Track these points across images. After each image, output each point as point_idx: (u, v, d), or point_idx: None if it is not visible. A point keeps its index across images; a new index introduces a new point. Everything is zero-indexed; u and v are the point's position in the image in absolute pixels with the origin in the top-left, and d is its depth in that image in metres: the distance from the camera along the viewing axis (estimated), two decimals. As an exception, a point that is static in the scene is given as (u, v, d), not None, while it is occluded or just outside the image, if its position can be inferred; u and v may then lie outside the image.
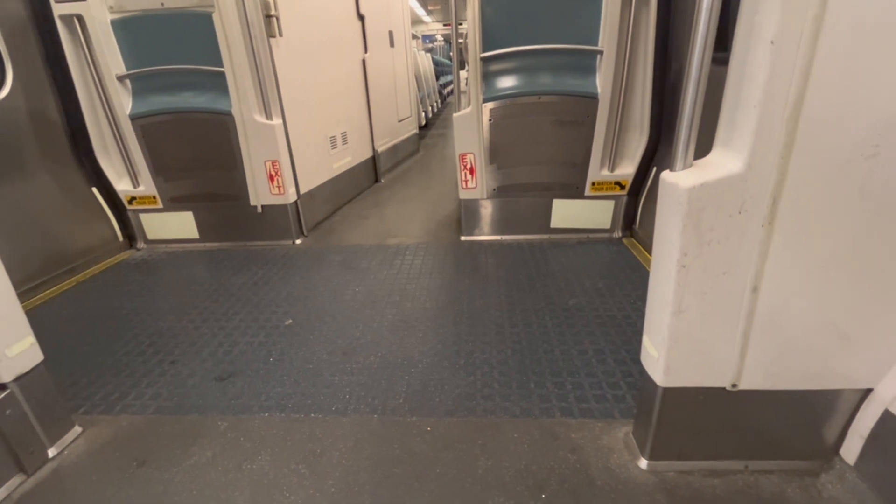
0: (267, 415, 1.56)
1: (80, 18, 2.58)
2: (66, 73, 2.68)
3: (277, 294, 2.41)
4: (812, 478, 1.23)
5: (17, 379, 1.30)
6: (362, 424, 1.50)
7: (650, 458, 1.28)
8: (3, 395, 1.27)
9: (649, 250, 2.60)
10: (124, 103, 2.79)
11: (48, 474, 1.36)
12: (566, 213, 2.91)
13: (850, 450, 1.23)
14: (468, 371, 1.73)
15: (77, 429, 1.51)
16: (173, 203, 3.07)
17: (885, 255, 0.99)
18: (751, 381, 1.15)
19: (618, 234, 2.92)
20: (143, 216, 3.12)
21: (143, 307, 2.34)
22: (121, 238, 3.10)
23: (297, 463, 1.36)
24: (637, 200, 2.83)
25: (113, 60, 2.71)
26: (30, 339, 1.34)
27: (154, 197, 3.03)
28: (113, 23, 2.69)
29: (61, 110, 2.79)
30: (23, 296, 2.42)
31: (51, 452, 1.42)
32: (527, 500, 1.21)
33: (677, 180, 0.97)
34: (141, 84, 2.84)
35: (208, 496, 1.26)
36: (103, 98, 2.72)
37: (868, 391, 1.17)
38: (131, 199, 3.05)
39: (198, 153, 2.93)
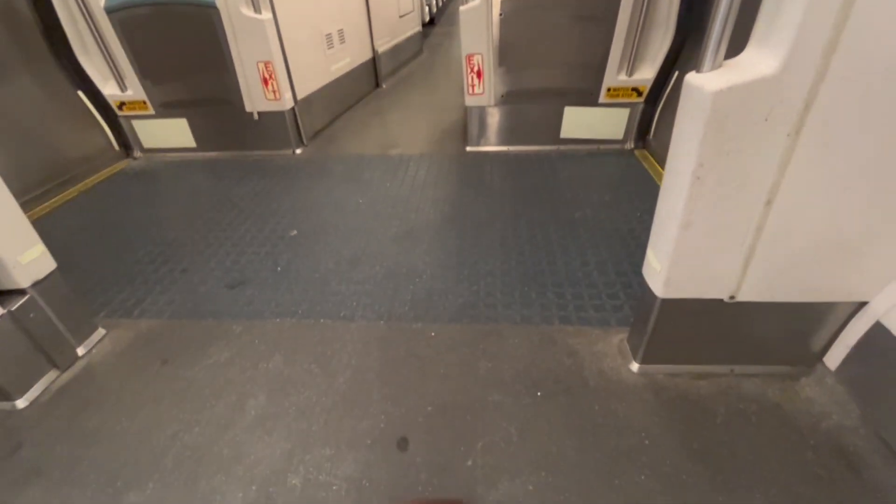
0: (278, 320, 1.64)
1: None
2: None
3: (280, 205, 2.39)
4: (792, 381, 1.31)
5: (35, 285, 1.35)
6: (369, 330, 1.57)
7: (641, 361, 1.36)
8: (24, 299, 1.32)
9: (662, 163, 2.51)
10: (97, -7, 2.53)
11: (80, 371, 1.47)
12: (578, 122, 2.76)
13: (834, 357, 1.29)
14: (472, 281, 1.77)
15: (101, 331, 1.60)
16: (165, 109, 2.93)
17: None
18: (749, 294, 1.17)
19: (630, 145, 2.80)
20: (135, 123, 2.99)
21: (148, 218, 2.35)
22: (116, 146, 3.02)
23: (310, 363, 1.45)
24: (654, 109, 2.67)
25: (76, -60, 2.40)
26: (40, 248, 1.36)
27: (144, 102, 2.88)
28: None
29: (31, 5, 2.54)
30: (26, 206, 2.42)
31: (80, 351, 1.51)
32: (524, 397, 1.30)
33: (703, 83, 0.89)
34: (112, -30, 2.54)
35: (230, 391, 1.37)
36: (73, -13, 2.46)
37: (862, 304, 1.19)
38: (121, 105, 2.91)
39: (184, 52, 2.72)
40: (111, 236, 2.20)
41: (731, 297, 1.19)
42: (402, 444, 1.19)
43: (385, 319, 1.61)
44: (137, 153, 3.10)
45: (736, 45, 0.91)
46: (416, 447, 1.18)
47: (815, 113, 0.87)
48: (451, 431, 1.22)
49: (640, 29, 2.38)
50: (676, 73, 2.47)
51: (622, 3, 2.31)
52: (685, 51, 2.42)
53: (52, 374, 1.43)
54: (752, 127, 0.89)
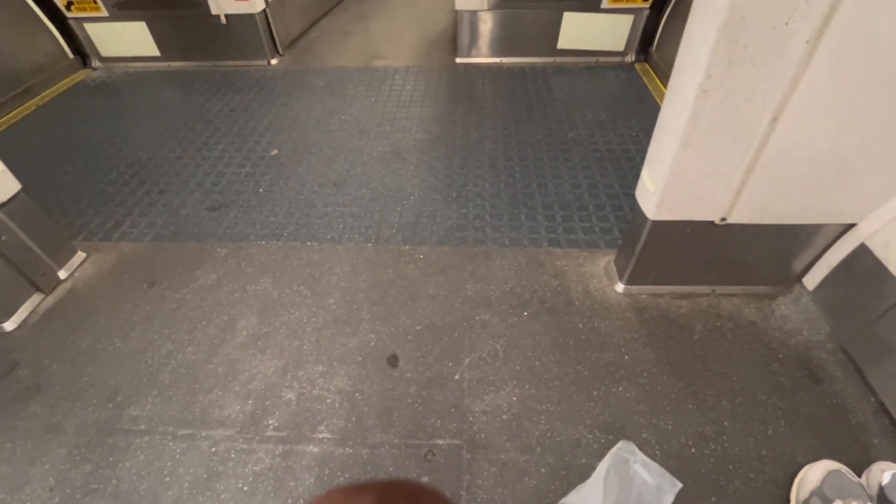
0: (264, 243, 1.61)
1: None
2: None
3: (258, 122, 2.25)
4: (770, 300, 1.36)
5: (1, 206, 1.28)
6: (357, 252, 1.56)
7: (627, 283, 1.38)
8: (-8, 222, 1.26)
9: (664, 77, 2.37)
10: None
11: (65, 293, 1.45)
12: (577, 31, 2.55)
13: (814, 278, 1.33)
14: (460, 203, 1.73)
15: (81, 254, 1.56)
16: (120, 10, 2.61)
17: None
18: (740, 216, 1.16)
19: (631, 58, 2.62)
20: (88, 27, 2.69)
21: (117, 134, 2.20)
22: (70, 54, 2.73)
23: (299, 285, 1.45)
24: (659, 16, 2.46)
25: None
26: None
27: (94, 1, 2.56)
28: None
29: None
30: (-19, 120, 2.24)
31: (62, 275, 1.49)
32: (510, 316, 1.34)
33: (722, -21, 0.79)
34: None
35: (220, 311, 1.38)
36: None
37: (850, 226, 1.20)
38: (69, 4, 2.58)
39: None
40: (79, 155, 2.07)
41: (723, 220, 1.18)
42: (392, 360, 1.24)
43: (373, 242, 1.59)
44: (96, 63, 2.82)
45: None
46: (406, 363, 1.23)
47: (841, 15, 0.79)
48: (439, 348, 1.26)
49: (653, -82, 2.11)
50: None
51: None
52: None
53: (36, 297, 1.42)
54: (770, 32, 0.81)
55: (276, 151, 2.05)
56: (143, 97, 2.54)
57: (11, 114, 2.37)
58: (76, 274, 1.51)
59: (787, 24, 0.80)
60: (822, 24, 0.80)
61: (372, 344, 1.28)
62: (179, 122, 2.27)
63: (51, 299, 1.43)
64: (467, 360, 1.23)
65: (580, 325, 1.31)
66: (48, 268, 1.45)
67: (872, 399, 1.12)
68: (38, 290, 1.42)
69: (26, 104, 2.45)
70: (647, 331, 1.29)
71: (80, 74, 2.77)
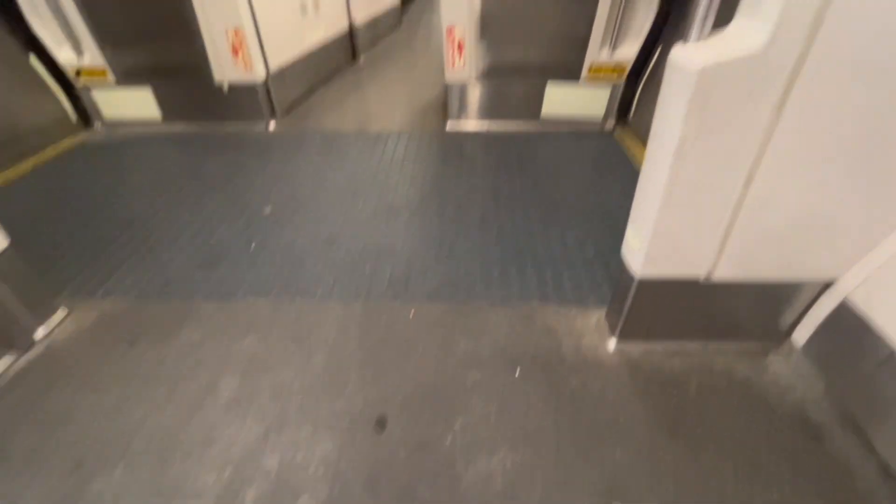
0: (252, 299, 1.59)
1: None
2: None
3: (254, 181, 2.31)
4: (762, 357, 1.35)
5: (-14, 263, 1.26)
6: (347, 308, 1.54)
7: (619, 339, 1.38)
8: (-27, 278, 1.23)
9: (641, 142, 2.52)
10: (46, -53, 2.32)
11: (41, 353, 1.40)
12: (559, 100, 2.73)
13: (802, 334, 1.34)
14: (451, 260, 1.75)
15: (63, 311, 1.52)
16: (127, 77, 2.75)
17: (882, 155, 0.95)
18: (724, 273, 1.19)
19: (610, 125, 2.80)
20: (95, 93, 2.81)
21: (112, 192, 2.23)
22: (73, 117, 2.83)
23: (285, 343, 1.42)
24: (635, 88, 2.65)
25: None
26: None
27: (104, 70, 2.70)
28: None
29: None
30: (-24, 178, 2.27)
31: (40, 332, 1.44)
32: (502, 375, 1.31)
33: (689, 59, 0.87)
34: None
35: (201, 372, 1.33)
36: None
37: (830, 282, 1.23)
38: (78, 72, 2.71)
39: (147, 16, 2.55)
40: (71, 212, 2.08)
41: (707, 277, 1.20)
42: (380, 423, 1.18)
43: (363, 298, 1.58)
44: (98, 125, 2.92)
45: (724, 17, 0.89)
46: (395, 426, 1.18)
47: (799, 87, 0.87)
48: (430, 410, 1.21)
49: (624, 1, 2.33)
50: (660, 48, 2.45)
51: (606, -24, 2.26)
52: (669, 25, 2.40)
53: (8, 358, 1.36)
54: (737, 103, 0.88)
55: (269, 209, 2.08)
56: (141, 157, 2.61)
57: (9, 171, 2.41)
58: (55, 332, 1.46)
59: (750, 95, 0.87)
60: (783, 96, 0.88)
61: (359, 406, 1.23)
62: (176, 181, 2.32)
63: (25, 359, 1.37)
64: (458, 422, 1.18)
65: (573, 384, 1.28)
66: (26, 325, 1.40)
67: (875, 459, 1.09)
68: (13, 348, 1.37)
69: (24, 163, 2.49)
70: (641, 389, 1.27)
71: (82, 136, 2.85)
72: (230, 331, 1.46)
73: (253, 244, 1.85)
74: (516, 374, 1.31)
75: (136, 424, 1.19)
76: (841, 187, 1.02)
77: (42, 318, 1.46)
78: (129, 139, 2.81)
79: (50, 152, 2.62)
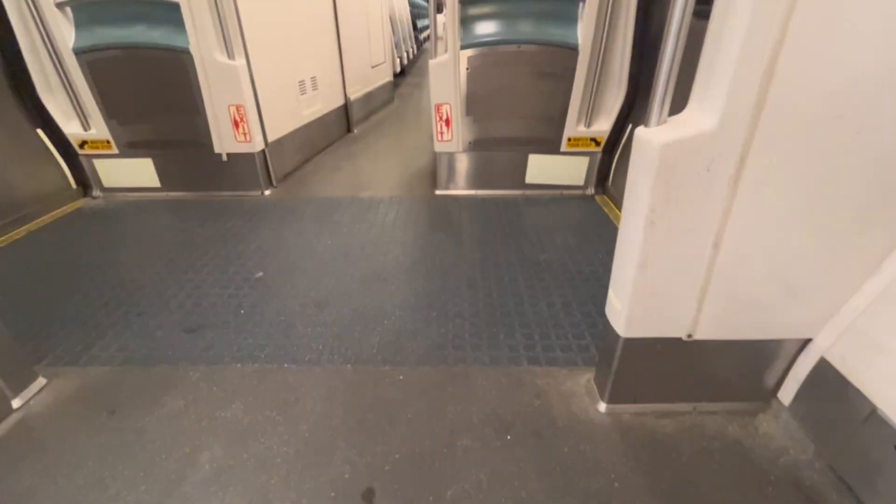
0: (239, 365, 1.57)
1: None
2: (-5, -3, 2.39)
3: (247, 246, 2.35)
4: (751, 417, 1.36)
5: (-31, 330, 1.25)
6: (336, 374, 1.53)
7: (608, 401, 1.38)
8: (-44, 346, 1.22)
9: (620, 207, 2.65)
10: (66, 35, 2.53)
11: (14, 425, 1.34)
12: (541, 169, 2.90)
13: (787, 393, 1.35)
14: (440, 322, 1.77)
15: (41, 380, 1.48)
16: (130, 149, 2.88)
17: (836, 218, 1.04)
18: (705, 332, 1.23)
19: (591, 191, 2.96)
20: (97, 162, 2.92)
21: (104, 258, 2.25)
22: (73, 185, 2.92)
23: (271, 410, 1.39)
24: (611, 157, 2.85)
25: (49, -16, 2.42)
26: None
27: (108, 141, 2.83)
28: (47, -60, 2.38)
29: None
30: (-31, 245, 2.28)
31: (15, 403, 1.39)
32: (493, 440, 1.28)
33: (651, 137, 0.97)
34: (84, 14, 2.56)
35: (182, 443, 1.28)
36: (42, 29, 2.45)
37: (807, 341, 1.27)
38: (83, 143, 2.84)
39: (154, 94, 2.73)
40: (60, 278, 2.08)
41: (689, 336, 1.24)
42: (368, 495, 1.14)
43: (352, 363, 1.57)
44: (97, 192, 3.00)
45: (681, 102, 1.01)
46: (383, 498, 1.13)
47: (750, 164, 0.97)
48: (419, 480, 1.17)
49: (595, 85, 2.58)
50: (630, 126, 2.66)
51: (579, 62, 2.51)
52: (637, 106, 2.63)
53: (-21, 430, 1.30)
54: (696, 177, 0.98)
55: (261, 273, 2.11)
56: (137, 223, 2.66)
57: (2, 237, 2.43)
58: (31, 402, 1.41)
59: (708, 170, 0.97)
60: (737, 171, 0.97)
61: (346, 476, 1.19)
62: (169, 247, 2.36)
63: (-4, 432, 1.32)
64: (449, 492, 1.14)
65: (565, 450, 1.26)
66: (2, 396, 1.36)
67: (874, 525, 1.07)
68: (-15, 421, 1.32)
69: (19, 230, 2.52)
70: (634, 453, 1.25)
71: (80, 203, 2.92)
72: (215, 398, 1.43)
73: (242, 309, 1.86)
74: (507, 439, 1.28)
75: (109, 503, 1.12)
76: (803, 249, 1.09)
77: (19, 387, 1.42)
78: (127, 206, 2.88)
79: (46, 219, 2.67)
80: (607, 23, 2.39)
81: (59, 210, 2.79)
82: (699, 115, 0.96)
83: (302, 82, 3.46)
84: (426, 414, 1.37)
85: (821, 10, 0.83)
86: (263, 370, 1.55)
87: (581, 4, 2.43)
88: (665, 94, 0.97)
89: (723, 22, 0.90)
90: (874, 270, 1.13)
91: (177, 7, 2.46)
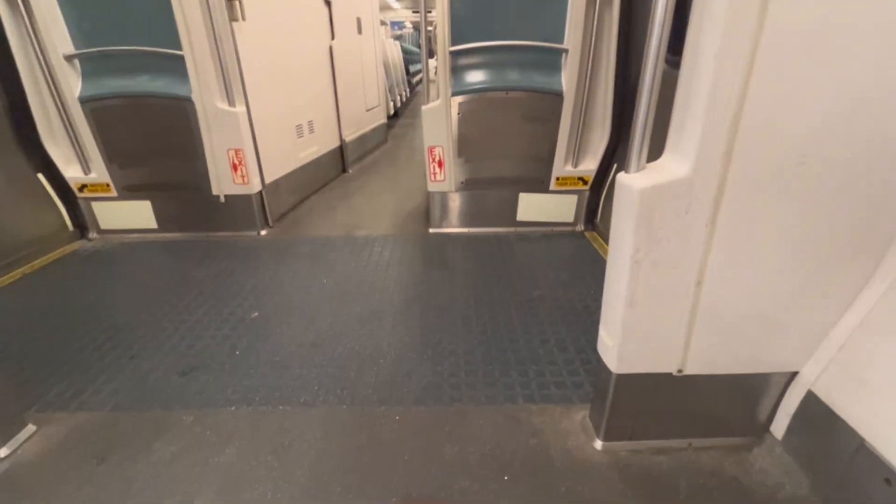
0: (234, 408, 1.56)
1: (21, -8, 2.40)
2: (6, 50, 2.50)
3: (242, 286, 2.37)
4: (746, 452, 1.36)
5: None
6: (331, 415, 1.52)
7: (604, 439, 1.38)
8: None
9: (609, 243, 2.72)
10: (73, 85, 2.63)
11: (1, 474, 1.31)
12: (532, 207, 2.99)
13: (779, 426, 1.37)
14: (436, 361, 1.78)
15: (30, 427, 1.46)
16: (129, 192, 2.93)
17: (810, 254, 1.10)
18: (694, 367, 1.25)
19: (580, 227, 3.04)
20: (95, 205, 2.96)
21: (98, 300, 2.25)
22: (70, 228, 2.94)
23: (266, 454, 1.37)
24: (598, 195, 2.95)
25: (59, 39, 2.55)
26: None
27: (108, 185, 2.89)
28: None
29: (1, 90, 2.60)
30: (-38, 289, 2.28)
31: (3, 452, 1.36)
32: (490, 482, 1.27)
33: (631, 182, 1.04)
34: (92, 65, 2.68)
35: (174, 491, 1.26)
36: (49, 79, 2.55)
37: (794, 374, 1.30)
38: (82, 187, 2.89)
39: (155, 140, 2.81)
40: (53, 322, 2.08)
41: (680, 371, 1.27)
42: (364, 542, 1.12)
43: (348, 403, 1.57)
44: (93, 234, 3.03)
45: (661, 146, 1.09)
46: (379, 545, 1.11)
47: (725, 206, 1.03)
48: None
49: (580, 128, 2.71)
50: (616, 165, 2.78)
51: (564, 106, 2.65)
52: (621, 146, 2.75)
53: (-36, 482, 1.27)
54: (675, 219, 1.04)
55: (256, 314, 2.12)
56: (133, 265, 2.68)
57: (-5, 282, 2.43)
58: (20, 451, 1.39)
59: (686, 213, 1.03)
60: (713, 213, 1.04)
61: (342, 522, 1.17)
62: (164, 288, 2.36)
63: (-19, 483, 1.28)
64: (447, 537, 1.13)
65: (563, 490, 1.25)
66: (-11, 445, 1.34)
67: (874, 562, 1.06)
68: (-29, 472, 1.29)
69: (13, 272, 2.52)
70: (632, 492, 1.24)
71: (75, 245, 2.93)
72: (208, 443, 1.41)
73: (237, 351, 1.86)
74: (505, 480, 1.27)
75: (97, 556, 1.09)
76: (781, 285, 1.14)
77: (7, 436, 1.40)
78: (123, 247, 2.90)
79: (40, 262, 2.67)
80: (589, 71, 2.55)
81: (54, 253, 2.80)
82: (674, 162, 1.04)
83: (299, 126, 3.58)
84: (423, 455, 1.36)
85: (778, 66, 0.91)
86: (258, 413, 1.53)
87: (564, 55, 2.59)
88: (642, 141, 1.05)
89: (690, 77, 0.99)
90: (851, 304, 1.18)
91: (181, 58, 2.59)
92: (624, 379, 1.27)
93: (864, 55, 0.90)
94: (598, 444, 1.39)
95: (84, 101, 2.66)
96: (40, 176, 2.79)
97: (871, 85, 0.92)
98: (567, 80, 2.60)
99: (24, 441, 1.42)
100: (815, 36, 0.89)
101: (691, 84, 0.99)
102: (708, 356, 1.24)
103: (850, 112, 0.95)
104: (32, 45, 2.47)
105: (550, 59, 2.65)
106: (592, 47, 2.50)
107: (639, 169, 1.06)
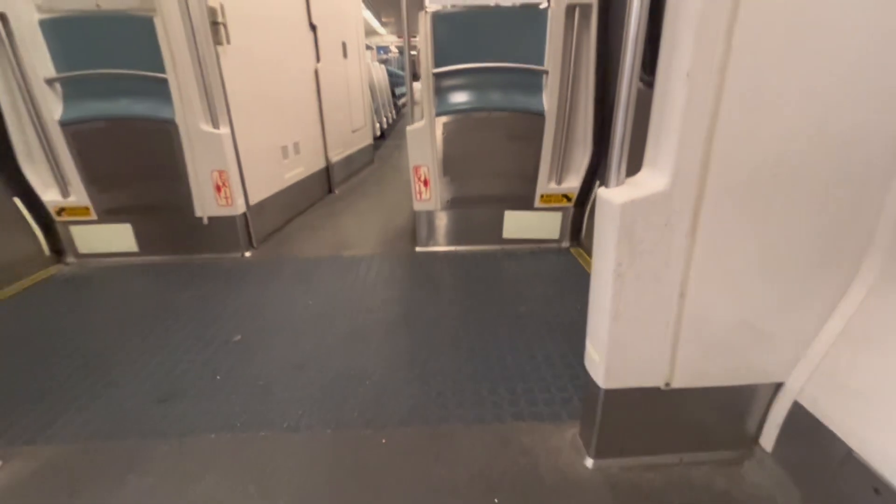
0: (213, 435, 1.50)
1: (2, 17, 2.39)
2: (-16, 73, 2.47)
3: (225, 308, 2.32)
4: (737, 466, 1.35)
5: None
6: (315, 440, 1.47)
7: (595, 456, 1.36)
8: None
9: (594, 259, 2.74)
10: (53, 109, 2.61)
11: (-40, 514, 1.24)
12: (517, 224, 3.01)
13: (768, 438, 1.36)
14: (422, 381, 1.75)
15: (-5, 462, 1.38)
16: (109, 215, 2.88)
17: (790, 263, 1.12)
18: (681, 380, 1.25)
19: (566, 244, 3.06)
20: (73, 228, 2.90)
21: (74, 327, 2.18)
22: (47, 252, 2.87)
23: (246, 484, 1.32)
24: (582, 212, 2.98)
25: (40, 62, 2.53)
26: None
27: (87, 208, 2.83)
28: (41, 23, 2.52)
29: None
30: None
31: (-36, 490, 1.29)
32: (480, 504, 1.24)
33: (611, 197, 1.05)
34: (73, 88, 2.66)
35: (148, 525, 1.20)
36: (29, 102, 2.52)
37: (780, 384, 1.30)
38: (60, 210, 2.83)
39: (137, 162, 2.78)
40: (25, 350, 2.00)
41: (667, 384, 1.26)
42: (349, 573, 1.07)
43: (332, 427, 1.53)
44: (70, 258, 2.95)
45: (639, 162, 1.11)
46: (365, 576, 1.06)
47: (704, 218, 1.05)
48: (404, 553, 1.11)
49: (563, 146, 2.76)
50: (598, 182, 2.83)
51: (546, 126, 2.70)
52: (603, 164, 2.81)
53: (-80, 523, 1.19)
54: (656, 231, 1.05)
55: (239, 337, 2.07)
56: (111, 289, 2.61)
57: (-36, 310, 2.34)
58: (-18, 488, 1.31)
59: (666, 225, 1.04)
60: (693, 225, 1.05)
61: (326, 553, 1.12)
62: (144, 312, 2.30)
63: (-61, 524, 1.21)
64: (435, 565, 1.08)
65: (555, 510, 1.22)
66: (-50, 483, 1.26)
67: (868, 575, 1.05)
68: (-72, 512, 1.21)
69: (-16, 300, 2.44)
70: (624, 511, 1.22)
71: (52, 269, 2.85)
72: (186, 473, 1.35)
73: (218, 375, 1.80)
74: (495, 503, 1.24)
75: None
76: (763, 295, 1.16)
77: (-30, 471, 1.32)
78: (101, 271, 2.83)
79: (14, 288, 2.59)
80: (569, 91, 2.61)
81: (30, 278, 2.72)
82: (653, 176, 1.05)
83: (284, 147, 3.58)
84: (411, 479, 1.32)
85: (748, 82, 0.95)
86: (238, 439, 1.48)
87: (544, 76, 2.65)
88: (621, 157, 1.07)
89: (664, 95, 1.02)
90: (832, 312, 1.20)
91: (164, 81, 2.59)
92: (612, 394, 1.26)
93: (832, 65, 0.94)
94: (589, 461, 1.36)
95: (64, 124, 2.62)
96: (16, 200, 2.73)
97: (841, 93, 0.96)
98: (548, 100, 2.66)
99: (-11, 477, 1.34)
100: (784, 49, 0.93)
101: (665, 101, 1.02)
102: (694, 368, 1.24)
103: (822, 121, 0.98)
104: (12, 67, 2.45)
105: (531, 80, 2.72)
106: (572, 68, 2.57)
107: (618, 183, 1.08)
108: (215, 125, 2.71)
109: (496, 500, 1.25)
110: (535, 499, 1.25)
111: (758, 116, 0.97)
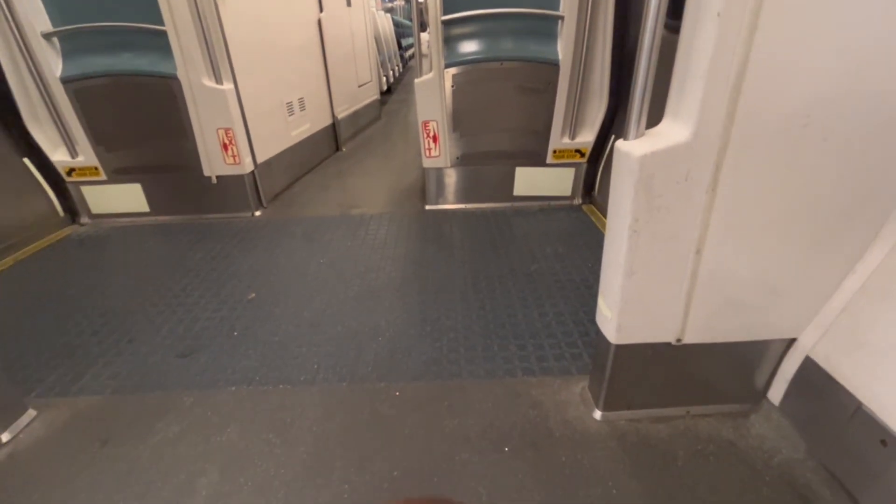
0: (234, 388, 1.56)
1: (-9, -33, 2.29)
2: (-20, 29, 2.40)
3: (238, 268, 2.35)
4: (743, 418, 1.38)
5: (-42, 364, 1.24)
6: (331, 392, 1.53)
7: (603, 409, 1.39)
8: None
9: (606, 216, 2.70)
10: (53, 64, 2.54)
11: (3, 460, 1.32)
12: (528, 181, 2.95)
13: (776, 393, 1.38)
14: (434, 337, 1.78)
15: (31, 412, 1.46)
16: (118, 175, 2.88)
17: (811, 220, 1.08)
18: (693, 336, 1.25)
19: (578, 200, 3.01)
20: (84, 189, 2.91)
21: (93, 285, 2.23)
22: (61, 213, 2.90)
23: (267, 433, 1.38)
24: (596, 168, 2.90)
25: (36, 16, 2.45)
26: None
27: (96, 168, 2.83)
28: (32, -27, 2.41)
29: None
30: (-46, 277, 2.25)
31: (4, 437, 1.37)
32: (491, 454, 1.29)
33: (630, 149, 1.01)
34: (71, 43, 2.58)
35: (178, 470, 1.27)
36: (28, 59, 2.46)
37: (792, 341, 1.30)
38: (70, 171, 2.83)
39: (142, 120, 2.74)
40: (49, 308, 2.06)
41: (678, 340, 1.26)
42: (367, 514, 1.13)
43: (347, 381, 1.57)
44: (85, 219, 2.99)
45: (659, 114, 1.05)
46: (382, 517, 1.13)
47: (726, 172, 1.00)
48: (419, 496, 1.17)
49: (577, 98, 2.64)
50: (613, 136, 2.73)
51: (560, 76, 2.58)
52: (619, 117, 2.70)
53: (-32, 467, 1.28)
54: (675, 186, 1.01)
55: (253, 295, 2.11)
56: (126, 249, 2.65)
57: (-13, 269, 2.40)
58: (21, 435, 1.39)
59: (686, 179, 1.00)
60: (714, 179, 1.01)
61: (345, 496, 1.18)
62: (159, 272, 2.34)
63: (-15, 468, 1.29)
64: (449, 507, 1.14)
65: (563, 459, 1.27)
66: (-9, 431, 1.34)
67: (867, 521, 1.09)
68: (-26, 457, 1.29)
69: (6, 259, 2.49)
70: (630, 460, 1.26)
71: (67, 230, 2.90)
72: (210, 423, 1.42)
73: (235, 332, 1.85)
74: (505, 451, 1.29)
75: (104, 534, 1.11)
76: (781, 252, 1.13)
77: (8, 421, 1.40)
78: (115, 232, 2.87)
79: (32, 248, 2.64)
80: (586, 39, 2.47)
81: (46, 238, 2.77)
82: (674, 127, 1.00)
83: (290, 104, 3.49)
84: (423, 429, 1.37)
85: (782, 26, 0.87)
86: (258, 392, 1.54)
87: (560, 22, 2.50)
88: (641, 107, 1.01)
89: (691, 38, 0.95)
90: (851, 269, 1.17)
91: (163, 34, 2.50)
92: (622, 349, 1.27)
93: (870, 13, 0.86)
94: (598, 414, 1.40)
95: (66, 81, 2.57)
96: (26, 160, 2.73)
97: (878, 44, 0.89)
98: (563, 48, 2.52)
99: (26, 426, 1.42)
100: None
101: (693, 45, 0.95)
102: (706, 325, 1.24)
103: (857, 72, 0.91)
104: (8, 23, 2.38)
105: (546, 27, 2.57)
106: (589, 13, 2.41)
107: (638, 135, 1.03)
108: (218, 80, 2.63)
109: (506, 449, 1.30)
110: (544, 449, 1.30)
111: (792, 63, 0.91)
